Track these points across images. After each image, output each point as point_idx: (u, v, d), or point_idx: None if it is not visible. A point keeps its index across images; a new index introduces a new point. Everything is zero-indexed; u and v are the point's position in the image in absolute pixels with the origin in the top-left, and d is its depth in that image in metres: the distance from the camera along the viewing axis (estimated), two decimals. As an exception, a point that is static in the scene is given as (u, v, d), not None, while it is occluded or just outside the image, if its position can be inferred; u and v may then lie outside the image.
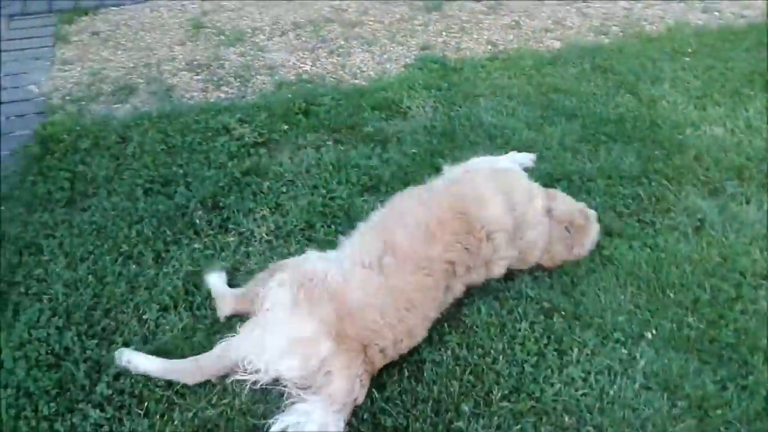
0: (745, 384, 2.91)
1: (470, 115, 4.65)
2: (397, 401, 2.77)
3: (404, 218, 3.02)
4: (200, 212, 3.70)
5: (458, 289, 3.04)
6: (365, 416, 2.70)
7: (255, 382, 2.66)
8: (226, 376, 2.74)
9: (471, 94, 4.98)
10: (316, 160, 4.17)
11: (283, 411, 2.57)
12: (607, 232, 3.66)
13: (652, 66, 5.41)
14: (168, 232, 3.55)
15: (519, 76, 5.23)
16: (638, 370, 2.94)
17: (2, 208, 3.72)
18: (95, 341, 2.94)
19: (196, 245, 3.48)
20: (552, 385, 2.87)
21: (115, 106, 4.90)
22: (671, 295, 3.32)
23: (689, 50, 5.68)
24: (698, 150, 4.36)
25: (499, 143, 4.37)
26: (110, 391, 2.73)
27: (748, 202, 3.93)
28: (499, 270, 3.18)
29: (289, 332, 2.66)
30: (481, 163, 3.67)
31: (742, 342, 3.08)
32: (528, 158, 3.96)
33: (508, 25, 6.25)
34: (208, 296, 3.14)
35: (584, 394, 2.84)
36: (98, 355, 2.88)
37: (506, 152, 4.03)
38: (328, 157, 4.19)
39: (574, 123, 4.61)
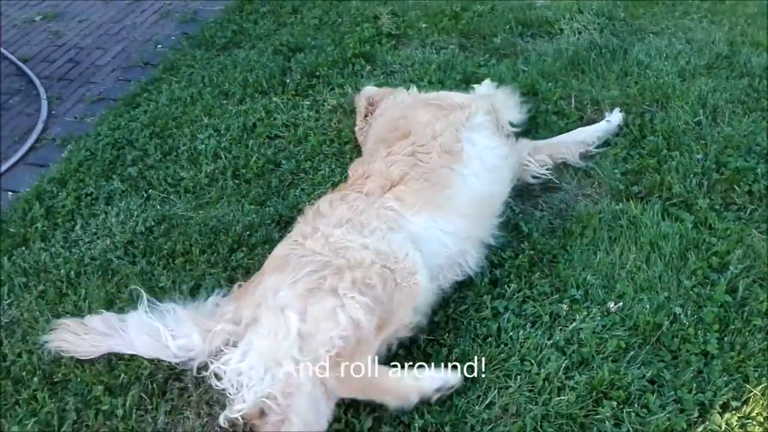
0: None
1: (621, 48, 4.11)
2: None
3: None
4: (297, 75, 4.18)
5: None
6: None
7: None
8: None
9: (645, 30, 4.36)
10: (428, 58, 4.24)
11: None
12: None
13: None
14: (264, 84, 4.12)
15: (721, 23, 4.34)
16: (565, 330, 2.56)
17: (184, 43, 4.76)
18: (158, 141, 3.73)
19: (274, 99, 3.99)
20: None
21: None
22: (685, 281, 2.70)
23: None
24: None
25: (628, 81, 3.83)
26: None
27: None
28: None
29: None
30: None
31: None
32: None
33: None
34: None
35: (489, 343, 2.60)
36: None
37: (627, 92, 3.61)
38: (440, 58, 4.22)
39: (740, 81, 3.73)
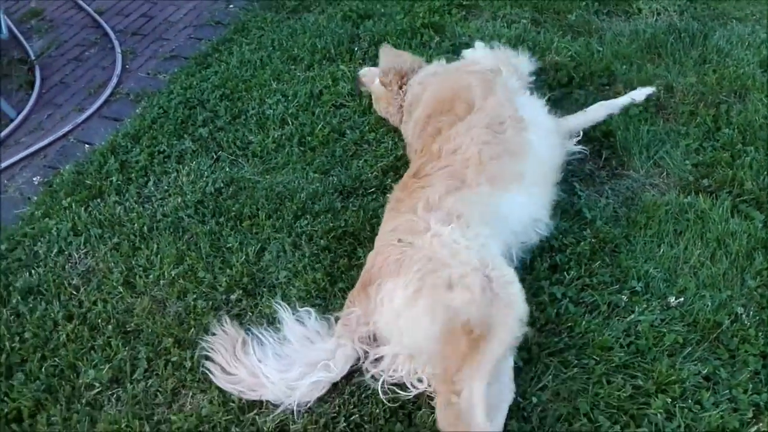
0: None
1: (701, 33, 3.94)
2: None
3: None
4: (365, 44, 4.18)
5: None
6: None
7: None
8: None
9: (728, 15, 4.17)
10: (498, 31, 4.17)
11: None
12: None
13: None
14: (332, 51, 4.14)
15: (813, 9, 4.12)
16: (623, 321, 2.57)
17: (255, 4, 4.80)
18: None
19: (341, 66, 4.01)
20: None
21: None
22: (749, 281, 2.66)
23: None
24: None
25: (705, 68, 3.70)
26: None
27: None
28: None
29: None
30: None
31: None
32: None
33: None
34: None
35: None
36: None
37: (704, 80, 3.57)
38: (511, 32, 4.14)
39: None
